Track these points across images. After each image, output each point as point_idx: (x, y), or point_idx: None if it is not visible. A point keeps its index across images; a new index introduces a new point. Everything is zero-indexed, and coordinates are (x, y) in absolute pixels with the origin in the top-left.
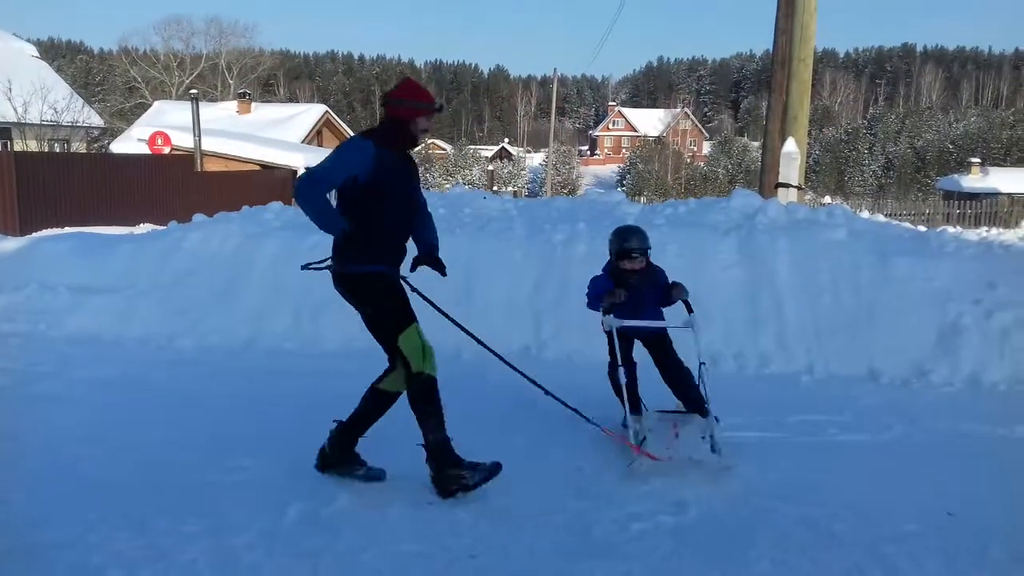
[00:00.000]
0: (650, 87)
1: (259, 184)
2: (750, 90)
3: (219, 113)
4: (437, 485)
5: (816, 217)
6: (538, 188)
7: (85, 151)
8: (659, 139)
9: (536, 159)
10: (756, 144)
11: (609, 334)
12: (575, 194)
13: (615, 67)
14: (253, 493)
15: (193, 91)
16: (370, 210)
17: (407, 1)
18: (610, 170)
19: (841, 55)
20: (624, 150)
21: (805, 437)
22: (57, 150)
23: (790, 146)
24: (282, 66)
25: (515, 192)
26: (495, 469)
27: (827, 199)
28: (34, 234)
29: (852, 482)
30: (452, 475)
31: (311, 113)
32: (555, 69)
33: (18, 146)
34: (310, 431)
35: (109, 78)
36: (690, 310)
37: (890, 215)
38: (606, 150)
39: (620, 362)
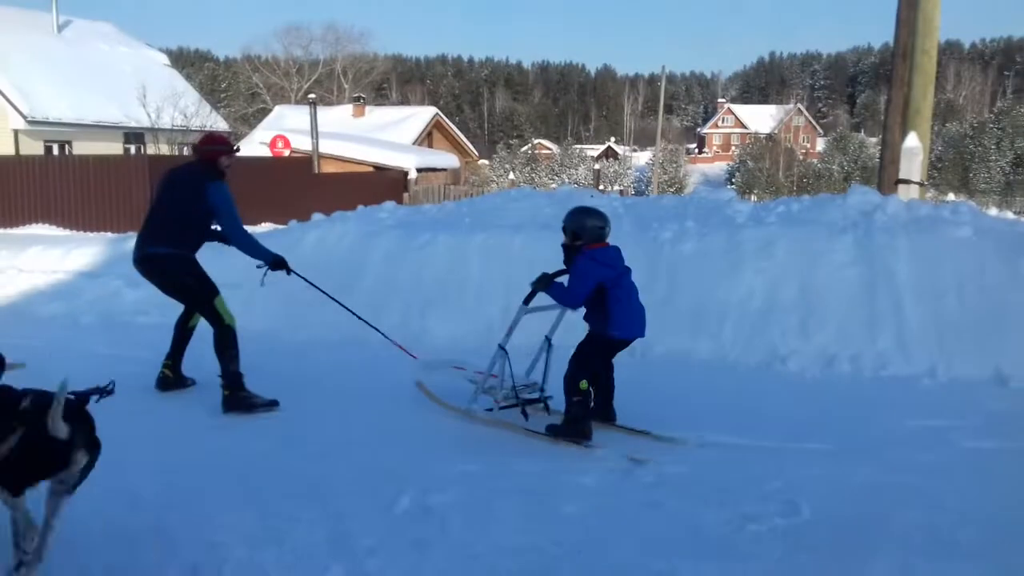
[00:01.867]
0: (761, 83)
1: (373, 184)
2: (867, 84)
3: (335, 116)
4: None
5: (939, 214)
6: (644, 187)
7: None
8: (770, 136)
9: (643, 158)
10: (873, 140)
11: None
12: (682, 192)
13: (725, 63)
14: (367, 480)
15: (311, 96)
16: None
17: (516, 4)
18: (719, 168)
19: (967, 46)
20: (734, 147)
21: (926, 441)
22: (187, 153)
23: (912, 141)
24: (395, 70)
25: (621, 191)
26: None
27: (950, 196)
28: None
29: (977, 490)
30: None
31: (422, 115)
32: (663, 67)
33: (151, 150)
34: (419, 421)
35: (233, 84)
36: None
37: (1020, 213)
38: (715, 148)
39: None
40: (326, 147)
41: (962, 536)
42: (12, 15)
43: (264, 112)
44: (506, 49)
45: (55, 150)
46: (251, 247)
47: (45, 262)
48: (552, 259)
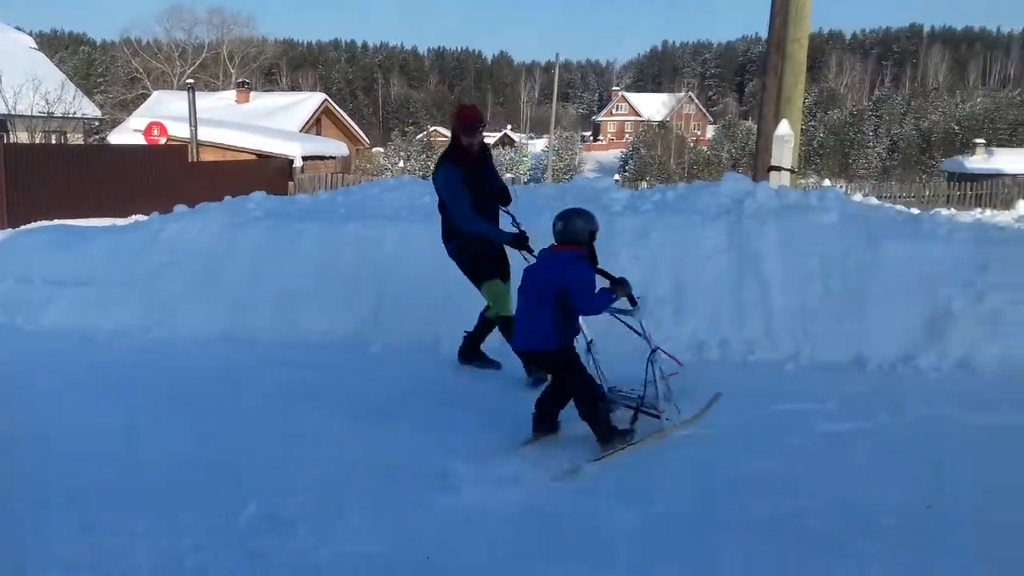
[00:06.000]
0: (655, 71)
1: (255, 173)
2: (755, 73)
3: (217, 103)
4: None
5: (807, 201)
6: (540, 174)
7: (83, 143)
8: (662, 123)
9: (539, 145)
10: None
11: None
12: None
13: (619, 52)
14: (212, 489)
15: (190, 80)
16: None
17: None
18: (613, 155)
19: (848, 37)
20: (627, 135)
21: (788, 426)
22: (53, 142)
23: (783, 128)
24: (285, 55)
25: (514, 178)
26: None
27: (826, 182)
28: (22, 226)
29: (832, 474)
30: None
31: (310, 102)
32: (557, 54)
33: (11, 138)
34: (280, 423)
35: (111, 69)
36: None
37: (889, 197)
38: (609, 135)
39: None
40: (205, 134)
41: (810, 523)
42: None
43: (145, 98)
44: (400, 35)
45: None
46: (485, 232)
47: None
48: (426, 250)
